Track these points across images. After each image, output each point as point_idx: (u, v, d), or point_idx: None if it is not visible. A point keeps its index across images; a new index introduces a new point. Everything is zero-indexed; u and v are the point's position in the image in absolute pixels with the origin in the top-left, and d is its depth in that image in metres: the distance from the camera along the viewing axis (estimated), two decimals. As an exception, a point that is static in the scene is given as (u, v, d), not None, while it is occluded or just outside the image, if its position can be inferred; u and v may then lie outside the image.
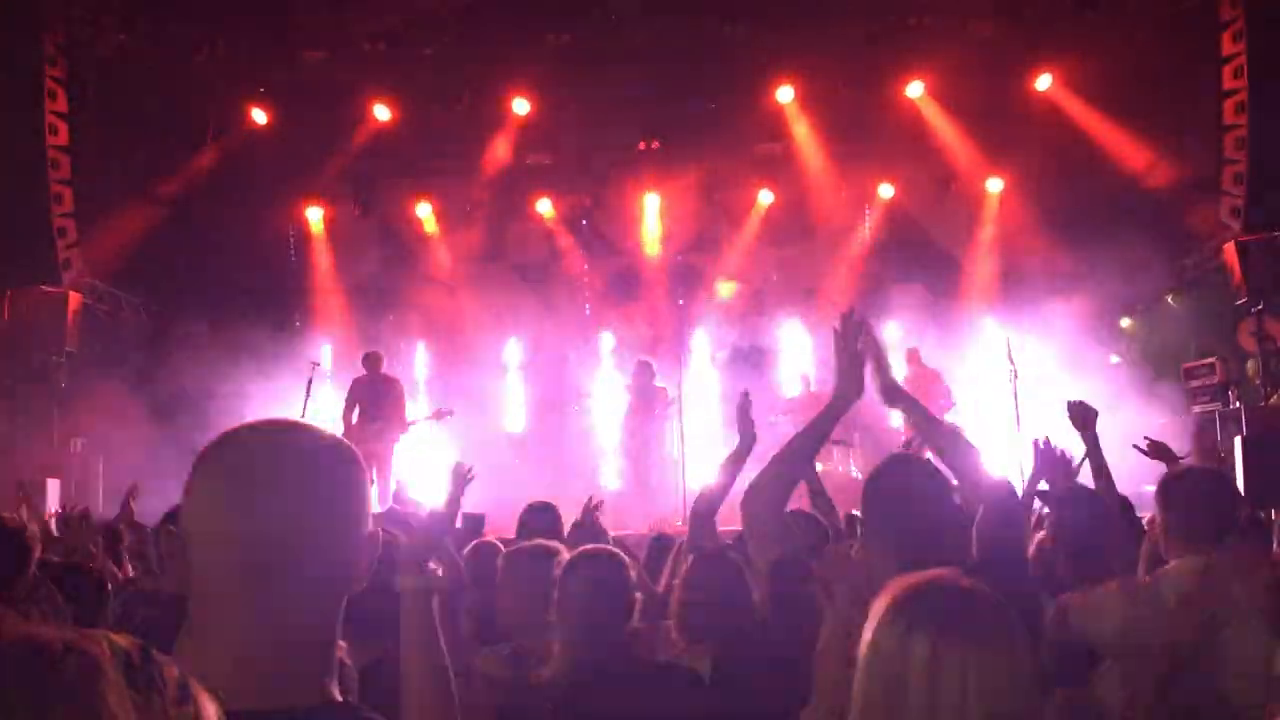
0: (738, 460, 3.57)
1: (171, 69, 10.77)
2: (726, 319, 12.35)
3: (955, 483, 2.61)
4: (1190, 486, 2.90)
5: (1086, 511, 3.20)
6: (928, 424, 2.83)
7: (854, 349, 2.72)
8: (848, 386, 2.71)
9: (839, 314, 2.81)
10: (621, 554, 2.73)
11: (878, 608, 1.54)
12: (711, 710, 2.50)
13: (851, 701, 1.54)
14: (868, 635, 1.53)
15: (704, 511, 3.54)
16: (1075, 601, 2.78)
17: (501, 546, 3.54)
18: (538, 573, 2.76)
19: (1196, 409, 9.43)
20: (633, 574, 2.64)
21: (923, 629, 1.47)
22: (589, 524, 4.49)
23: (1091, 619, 2.74)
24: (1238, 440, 6.49)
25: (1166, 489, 2.94)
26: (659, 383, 10.71)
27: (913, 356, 10.62)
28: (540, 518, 4.28)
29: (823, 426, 2.77)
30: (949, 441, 2.69)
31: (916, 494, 2.44)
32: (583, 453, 11.54)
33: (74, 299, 9.93)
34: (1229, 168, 9.71)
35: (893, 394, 2.76)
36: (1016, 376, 9.32)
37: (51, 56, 9.71)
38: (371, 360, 10.09)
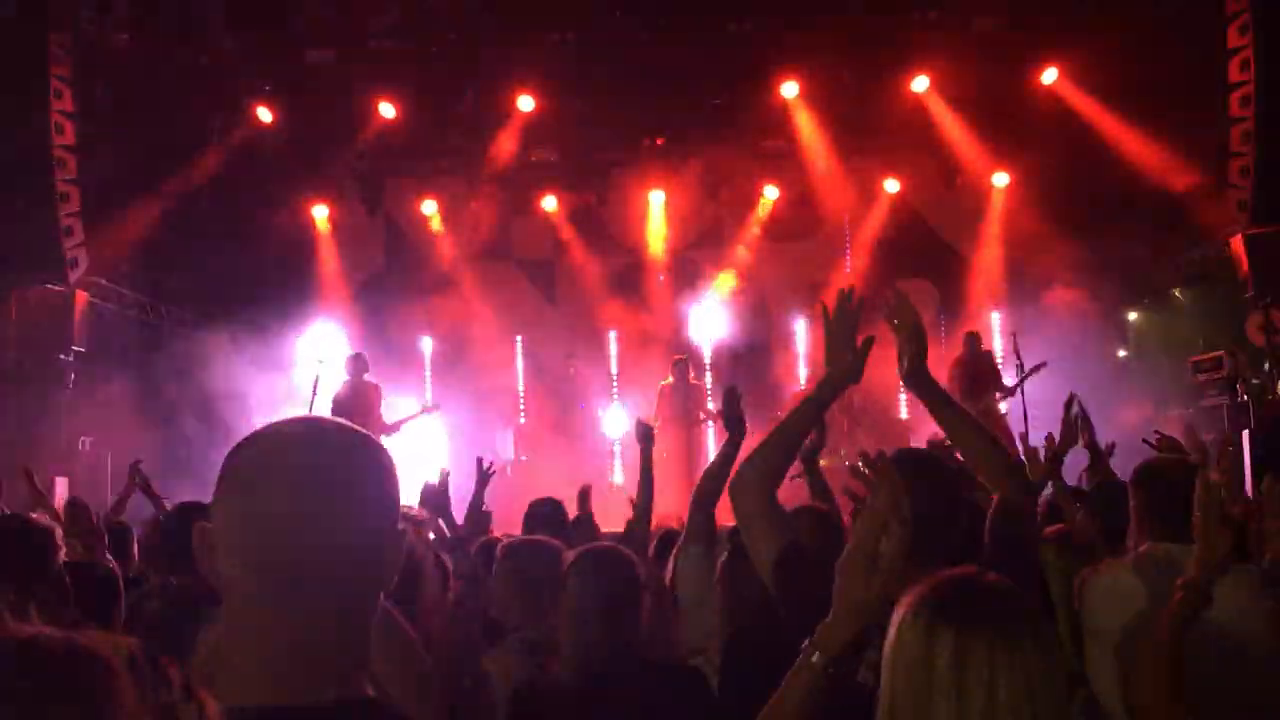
0: (730, 455, 3.41)
1: (177, 68, 10.79)
2: (730, 316, 12.34)
3: (969, 474, 2.59)
4: (1163, 475, 2.90)
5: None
6: (947, 412, 2.60)
7: (847, 329, 2.42)
8: (844, 369, 2.38)
9: (837, 291, 2.47)
10: (629, 551, 2.69)
11: (901, 605, 1.53)
12: (719, 712, 2.48)
13: (879, 698, 1.54)
14: (892, 632, 1.52)
15: (703, 502, 3.47)
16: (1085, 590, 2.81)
17: (507, 544, 3.55)
18: (532, 568, 2.76)
19: (1204, 402, 9.42)
20: (641, 572, 2.59)
21: (946, 627, 1.46)
22: (582, 520, 4.47)
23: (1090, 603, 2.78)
24: (1245, 434, 6.48)
25: (1140, 477, 2.94)
26: (694, 379, 10.69)
27: (969, 340, 10.43)
28: (544, 514, 4.28)
29: (809, 411, 2.46)
30: (970, 433, 2.59)
31: (926, 490, 2.40)
32: (589, 450, 11.54)
33: (81, 298, 9.95)
34: (1235, 161, 9.66)
35: (918, 378, 2.50)
36: (1023, 371, 9.33)
37: (58, 56, 9.73)
38: (355, 363, 9.93)
